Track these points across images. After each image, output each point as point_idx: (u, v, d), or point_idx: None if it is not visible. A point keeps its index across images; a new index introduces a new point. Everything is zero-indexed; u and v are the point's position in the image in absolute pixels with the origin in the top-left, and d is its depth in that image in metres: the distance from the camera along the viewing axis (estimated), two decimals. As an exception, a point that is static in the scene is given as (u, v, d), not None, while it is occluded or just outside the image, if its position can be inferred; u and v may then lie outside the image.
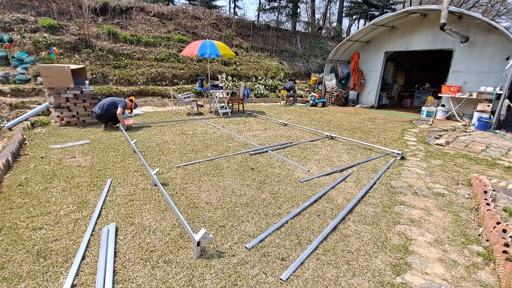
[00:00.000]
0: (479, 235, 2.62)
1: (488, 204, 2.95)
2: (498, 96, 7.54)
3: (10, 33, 8.55)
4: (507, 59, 7.78)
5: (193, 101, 8.37)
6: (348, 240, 2.46)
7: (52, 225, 2.48)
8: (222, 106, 8.67)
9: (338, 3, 22.83)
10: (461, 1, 21.84)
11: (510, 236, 2.34)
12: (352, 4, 22.89)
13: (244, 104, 9.31)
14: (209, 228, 2.54)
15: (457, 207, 3.16)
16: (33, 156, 4.17)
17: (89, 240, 2.29)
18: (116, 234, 2.39)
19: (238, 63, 12.93)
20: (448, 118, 9.23)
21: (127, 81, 9.43)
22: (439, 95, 9.49)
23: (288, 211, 2.90)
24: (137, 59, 10.36)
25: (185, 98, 8.11)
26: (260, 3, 21.02)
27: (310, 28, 21.60)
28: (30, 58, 8.15)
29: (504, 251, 2.16)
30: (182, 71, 10.93)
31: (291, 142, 5.56)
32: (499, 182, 3.66)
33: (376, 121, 8.55)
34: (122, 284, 1.87)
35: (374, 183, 3.73)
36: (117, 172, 3.73)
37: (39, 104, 6.88)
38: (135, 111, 7.82)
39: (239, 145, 5.24)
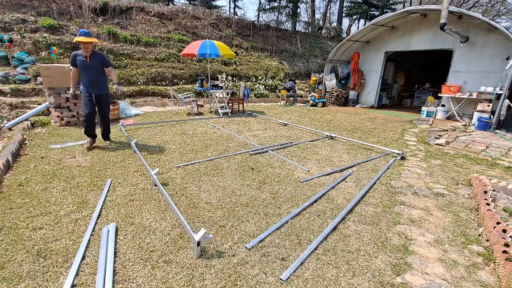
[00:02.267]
0: (479, 235, 2.62)
1: (488, 204, 2.95)
2: (498, 96, 7.54)
3: (10, 33, 8.55)
4: (507, 59, 7.78)
5: (193, 101, 8.37)
6: (348, 240, 2.46)
7: (52, 225, 2.48)
8: (222, 106, 8.67)
9: (338, 3, 22.86)
10: (461, 1, 21.85)
11: (510, 236, 2.33)
12: (352, 4, 22.90)
13: (244, 104, 9.31)
14: (209, 228, 2.54)
15: (457, 207, 3.16)
16: (33, 156, 4.17)
17: (89, 240, 2.29)
18: (116, 234, 2.39)
19: (238, 63, 12.94)
20: (448, 118, 9.23)
21: (127, 81, 9.44)
22: (439, 95, 9.50)
23: (288, 211, 2.90)
24: (137, 59, 10.36)
25: (185, 98, 8.11)
26: (260, 3, 21.04)
27: (310, 28, 21.61)
28: (30, 58, 8.15)
29: (504, 251, 2.16)
30: (182, 71, 10.93)
31: (291, 142, 5.56)
32: (499, 182, 3.66)
33: (376, 121, 8.55)
34: (122, 284, 1.87)
35: (374, 183, 3.73)
36: (117, 172, 3.73)
37: (39, 104, 6.88)
38: (134, 111, 7.81)
39: (239, 145, 5.24)
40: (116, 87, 4.71)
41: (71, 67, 4.43)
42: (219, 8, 22.22)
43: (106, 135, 4.96)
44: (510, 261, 2.07)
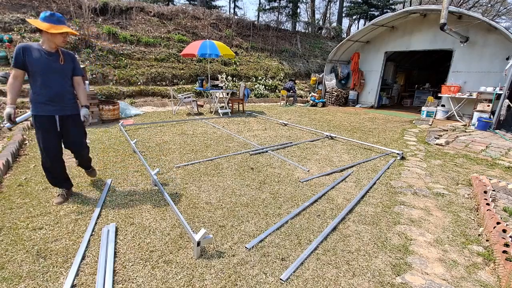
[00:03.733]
0: (479, 235, 2.62)
1: (488, 204, 2.95)
2: (498, 96, 7.54)
3: (10, 33, 8.56)
4: (507, 59, 7.78)
5: (193, 101, 8.38)
6: (348, 240, 2.46)
7: (52, 225, 2.47)
8: (222, 106, 8.67)
9: (338, 3, 22.89)
10: (461, 1, 21.85)
11: (510, 236, 2.33)
12: (352, 4, 22.93)
13: (244, 104, 9.31)
14: (209, 228, 2.54)
15: (457, 207, 3.16)
16: (33, 156, 4.17)
17: (89, 240, 2.29)
18: (116, 234, 2.39)
19: (238, 63, 12.94)
20: (448, 118, 9.23)
21: (127, 81, 9.44)
22: (439, 95, 9.50)
23: (288, 211, 2.90)
24: (137, 59, 10.36)
25: (185, 98, 8.11)
26: (260, 3, 21.05)
27: (310, 28, 21.63)
28: (30, 58, 8.14)
29: (504, 251, 2.16)
30: (182, 71, 10.93)
31: (291, 142, 5.56)
32: (499, 182, 3.66)
33: (376, 121, 8.55)
34: (122, 284, 1.87)
35: (374, 183, 3.73)
36: (117, 172, 3.73)
37: (39, 104, 6.86)
38: (134, 111, 7.81)
39: (239, 145, 5.24)
40: (85, 112, 2.92)
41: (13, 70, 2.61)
42: (219, 8, 22.24)
43: (84, 164, 3.28)
44: (510, 261, 2.07)
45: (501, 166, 4.55)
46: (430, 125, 8.19)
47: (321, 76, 12.95)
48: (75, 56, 2.88)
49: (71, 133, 2.87)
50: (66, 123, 2.81)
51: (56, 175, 2.89)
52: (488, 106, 7.72)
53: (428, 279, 2.04)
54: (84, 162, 3.24)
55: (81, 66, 6.93)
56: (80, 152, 3.08)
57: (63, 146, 2.90)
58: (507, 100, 7.26)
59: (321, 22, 26.76)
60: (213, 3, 21.17)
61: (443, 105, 9.43)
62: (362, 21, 25.32)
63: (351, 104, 12.12)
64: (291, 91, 11.42)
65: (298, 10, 20.33)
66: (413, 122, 8.66)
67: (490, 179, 3.73)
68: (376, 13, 21.73)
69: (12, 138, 4.74)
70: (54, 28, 2.51)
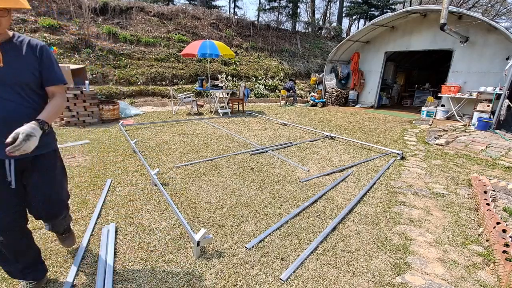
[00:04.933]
0: (479, 235, 2.62)
1: (488, 204, 2.95)
2: (498, 96, 7.54)
3: (10, 33, 8.55)
4: (507, 59, 7.78)
5: (193, 101, 8.38)
6: (348, 240, 2.46)
7: (52, 225, 2.48)
8: (222, 106, 8.67)
9: (338, 3, 22.89)
10: (461, 1, 21.85)
11: (510, 236, 2.34)
12: (352, 4, 22.94)
13: (244, 104, 9.31)
14: (209, 228, 2.54)
15: (457, 207, 3.16)
16: (33, 156, 4.16)
17: (89, 240, 2.29)
18: (116, 234, 2.39)
19: (238, 63, 12.94)
20: (448, 118, 9.23)
21: (127, 81, 9.44)
22: (439, 95, 9.50)
23: (288, 211, 2.90)
24: (137, 59, 10.36)
25: (185, 98, 8.11)
26: (260, 3, 21.05)
27: (310, 28, 21.63)
28: (30, 58, 8.13)
29: (504, 251, 2.16)
30: (182, 71, 10.93)
31: (291, 142, 5.56)
32: (499, 182, 3.66)
33: (376, 121, 8.56)
34: (122, 284, 1.87)
35: (374, 183, 3.73)
36: (117, 172, 3.73)
37: (39, 104, 6.86)
38: (134, 111, 7.81)
39: (239, 145, 5.24)
40: (28, 130, 1.29)
41: None
42: (219, 8, 22.23)
43: (60, 228, 1.97)
44: (510, 261, 2.07)
45: (501, 166, 4.55)
46: (430, 125, 8.19)
47: (321, 76, 12.95)
48: (46, 48, 1.60)
49: (39, 187, 1.61)
50: (30, 170, 1.58)
51: (14, 267, 1.63)
52: (488, 106, 7.73)
53: (428, 279, 2.04)
54: (61, 227, 1.95)
55: (81, 66, 6.94)
56: (56, 215, 1.76)
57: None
58: (507, 100, 7.26)
59: (321, 22, 26.77)
60: (213, 3, 21.17)
61: (443, 105, 9.43)
62: (362, 21, 25.35)
63: (351, 104, 12.12)
64: (291, 91, 11.43)
65: (298, 10, 20.35)
66: (413, 122, 8.66)
67: (490, 179, 3.73)
68: (376, 13, 21.74)
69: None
70: None
